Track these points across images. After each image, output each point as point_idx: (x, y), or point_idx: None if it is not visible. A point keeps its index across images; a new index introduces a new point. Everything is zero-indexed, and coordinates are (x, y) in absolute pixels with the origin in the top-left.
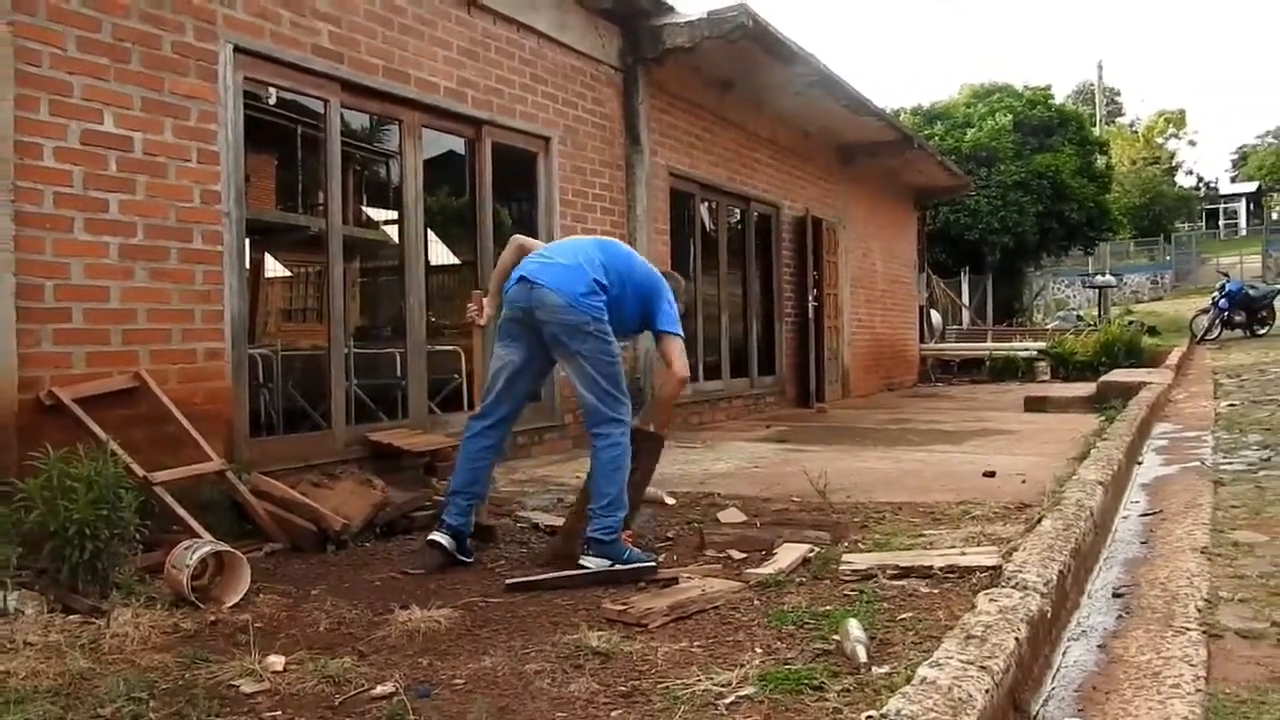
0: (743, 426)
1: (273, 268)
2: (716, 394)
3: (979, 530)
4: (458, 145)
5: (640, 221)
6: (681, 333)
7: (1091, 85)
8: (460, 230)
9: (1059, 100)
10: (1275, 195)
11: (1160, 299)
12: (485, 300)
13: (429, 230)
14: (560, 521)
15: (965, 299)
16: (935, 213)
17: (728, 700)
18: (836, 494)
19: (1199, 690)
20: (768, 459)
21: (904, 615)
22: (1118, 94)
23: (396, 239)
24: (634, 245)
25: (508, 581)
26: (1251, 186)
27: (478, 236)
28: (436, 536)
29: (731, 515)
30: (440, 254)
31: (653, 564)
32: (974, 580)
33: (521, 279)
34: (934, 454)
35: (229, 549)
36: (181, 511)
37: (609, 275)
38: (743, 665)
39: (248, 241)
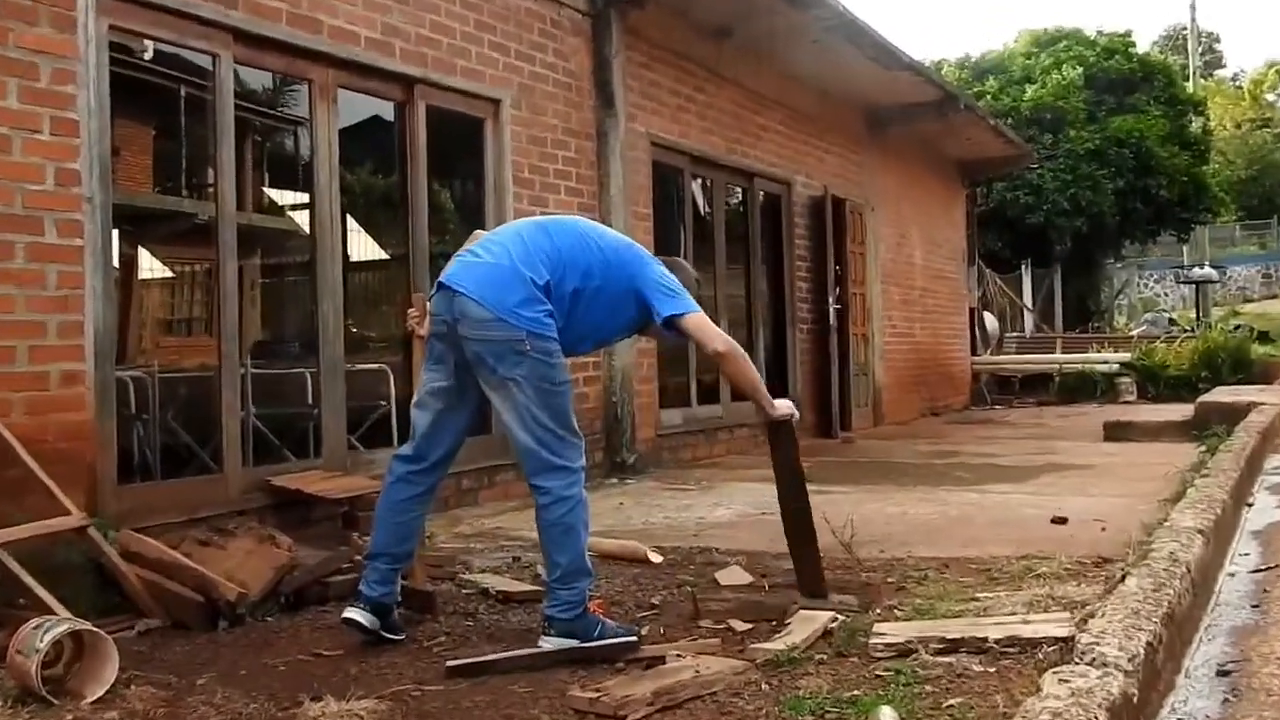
0: (747, 462)
1: (150, 266)
2: (713, 422)
3: (1046, 592)
4: (385, 110)
5: (615, 204)
6: (695, 305)
7: (1183, 30)
8: (388, 217)
9: (1142, 49)
10: None
11: (1275, 297)
12: (429, 304)
13: (348, 217)
14: (515, 586)
15: (1027, 299)
16: (988, 191)
17: None
18: (866, 547)
19: None
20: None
21: (951, 701)
22: (1216, 40)
23: (306, 228)
24: None
25: (449, 664)
26: None
27: (409, 225)
28: (353, 614)
29: (733, 575)
30: (363, 247)
31: (633, 639)
32: (1040, 655)
33: (441, 286)
34: (989, 495)
35: (91, 628)
36: (29, 580)
37: (561, 271)
38: None
39: (116, 233)
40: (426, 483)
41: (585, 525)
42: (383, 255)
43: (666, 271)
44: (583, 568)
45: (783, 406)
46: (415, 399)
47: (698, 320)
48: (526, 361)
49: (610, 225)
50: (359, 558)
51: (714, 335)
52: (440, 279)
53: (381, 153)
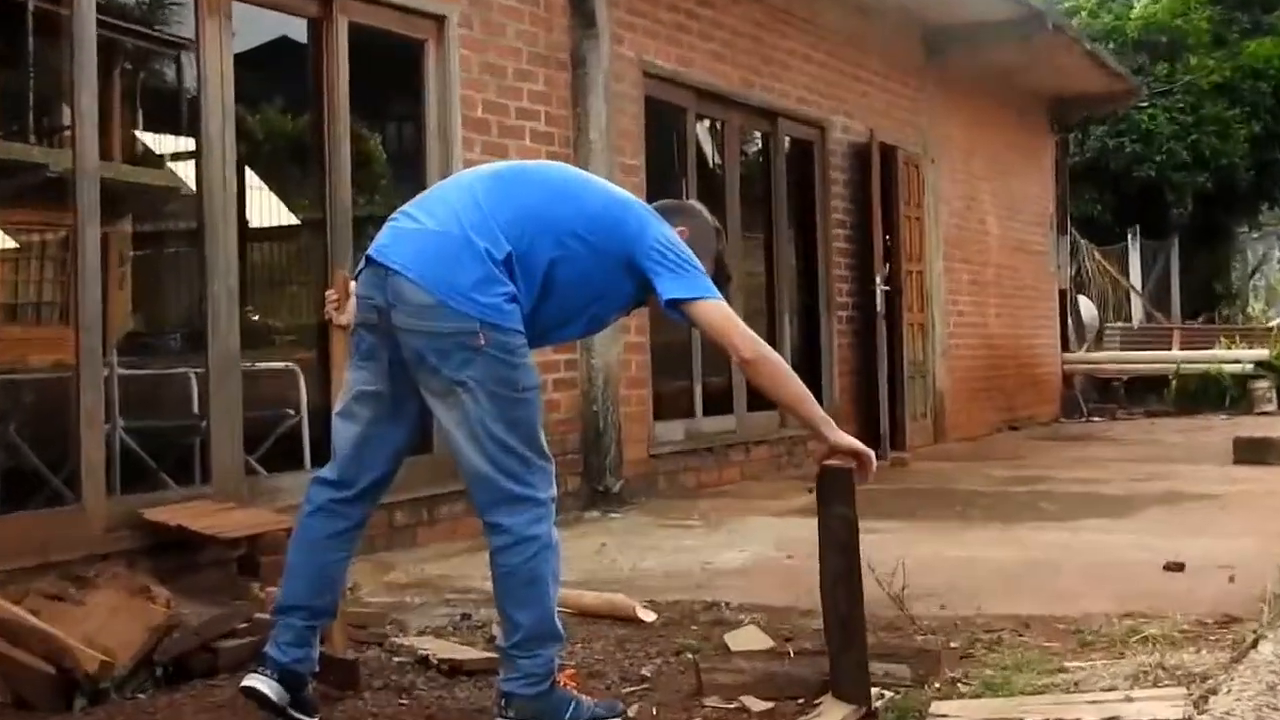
0: (768, 490)
1: None
2: (724, 438)
3: (1155, 660)
4: (294, 29)
5: (595, 152)
6: (711, 288)
7: None
8: (300, 171)
9: None
10: None
11: None
12: (354, 284)
13: (247, 171)
14: (464, 652)
15: (1135, 279)
16: (1083, 138)
17: None
18: (922, 601)
19: None
20: (808, 541)
21: None
22: None
23: (192, 185)
24: None
25: None
26: None
27: (327, 182)
28: (256, 682)
29: (748, 638)
30: (266, 210)
31: None
32: None
33: (369, 262)
34: (1083, 534)
35: None
36: None
37: (529, 238)
38: None
39: None
40: (353, 515)
41: (555, 575)
42: (292, 220)
43: (673, 234)
44: (551, 630)
45: (847, 442)
46: (337, 407)
47: (715, 312)
48: (481, 360)
49: None
50: (261, 616)
51: (738, 335)
52: (368, 252)
53: (291, 86)
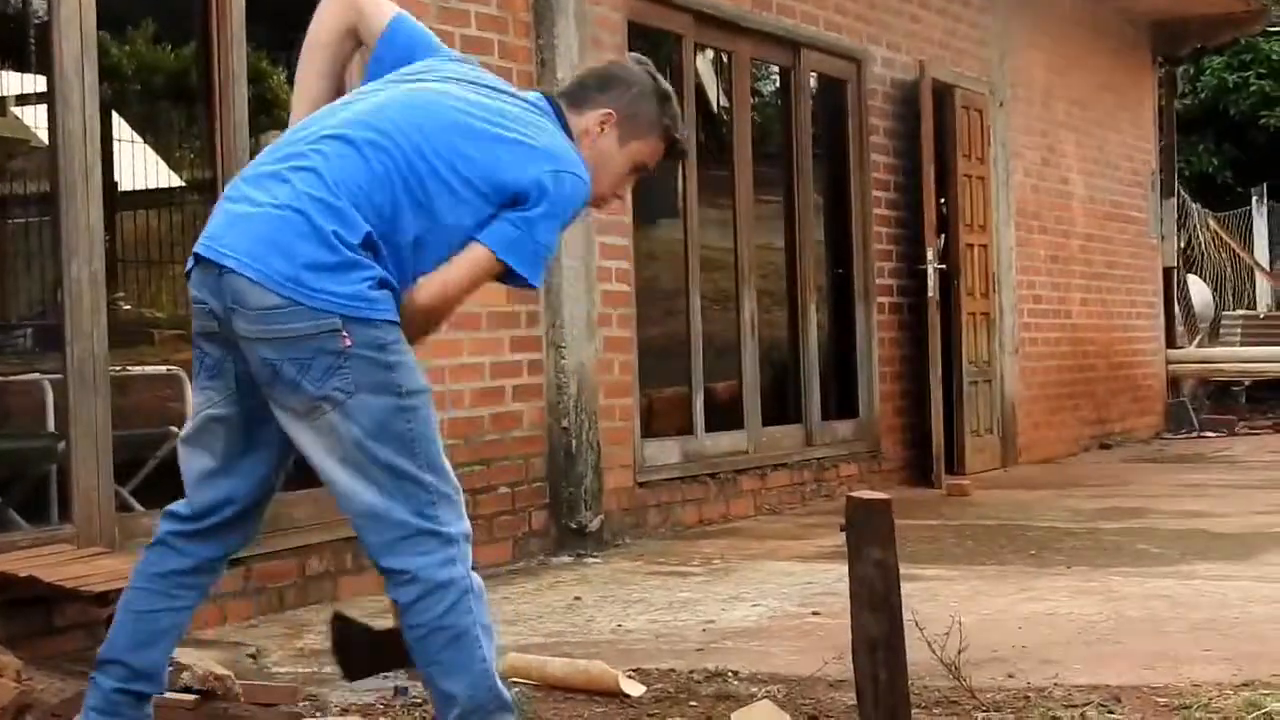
0: (790, 527)
1: None
2: (732, 461)
3: None
4: None
5: None
6: (512, 248)
7: None
8: (183, 117)
9: None
10: None
11: None
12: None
13: (114, 118)
14: None
15: (1261, 253)
16: (1196, 73)
17: None
18: (985, 668)
19: None
20: (840, 594)
21: None
22: None
23: (44, 136)
24: None
25: None
26: None
27: (219, 130)
28: None
29: (761, 717)
30: (141, 167)
31: None
32: None
33: (199, 259)
34: (1191, 582)
35: None
36: None
37: (393, 209)
38: None
39: None
40: (195, 554)
41: (486, 630)
42: (174, 181)
43: (571, 204)
44: (493, 698)
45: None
46: (183, 432)
47: (481, 260)
48: (349, 366)
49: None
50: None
51: (461, 276)
52: (197, 246)
53: (170, 6)
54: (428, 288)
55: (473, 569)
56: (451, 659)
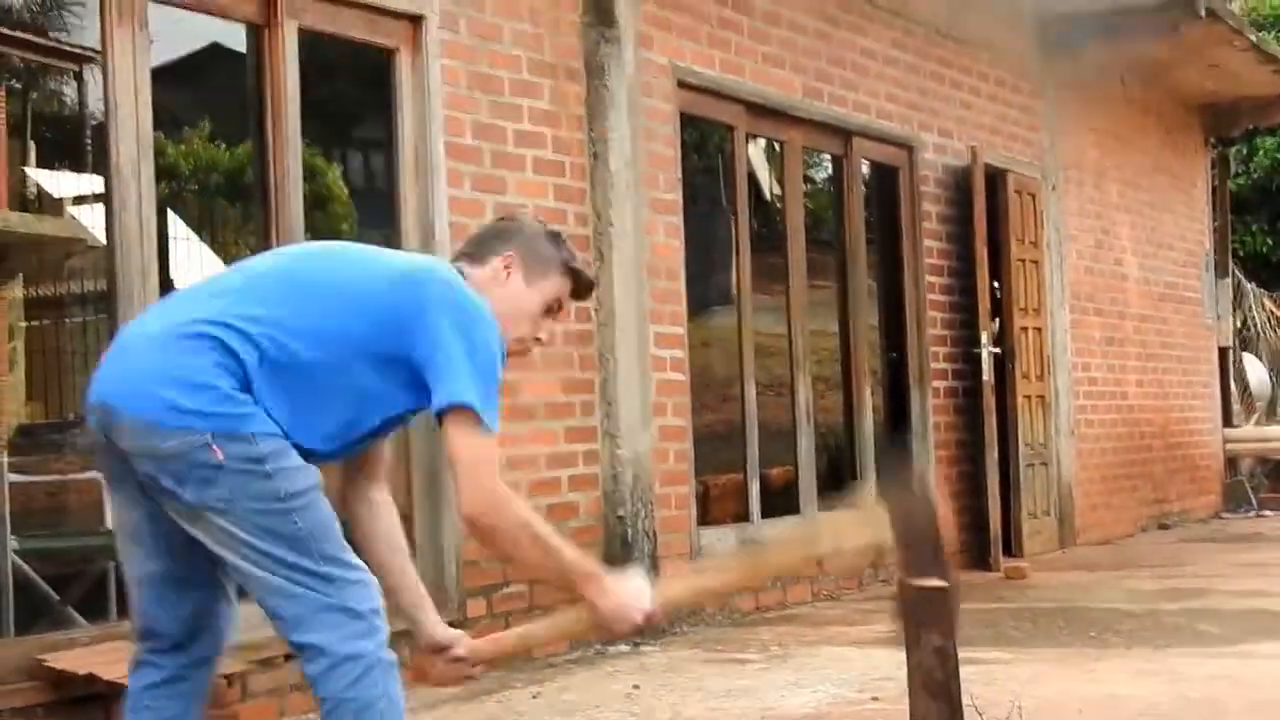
0: (848, 613)
1: None
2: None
3: None
4: (229, 36)
5: (619, 185)
6: (481, 404)
7: None
8: (239, 214)
9: None
10: None
11: None
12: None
13: (170, 215)
14: None
15: None
16: (1249, 153)
17: None
18: None
19: None
20: (899, 680)
21: None
22: None
23: (101, 235)
24: (609, 233)
25: None
26: None
27: (274, 226)
28: None
29: None
30: (197, 264)
31: None
32: None
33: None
34: (1254, 662)
35: None
36: None
37: (281, 325)
38: None
39: None
40: (169, 665)
41: (394, 703)
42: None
43: (471, 319)
44: None
45: (628, 595)
46: (119, 548)
47: (473, 436)
48: (223, 477)
49: (611, 221)
50: None
51: (467, 476)
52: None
53: (225, 107)
54: (464, 504)
55: (386, 645)
56: None
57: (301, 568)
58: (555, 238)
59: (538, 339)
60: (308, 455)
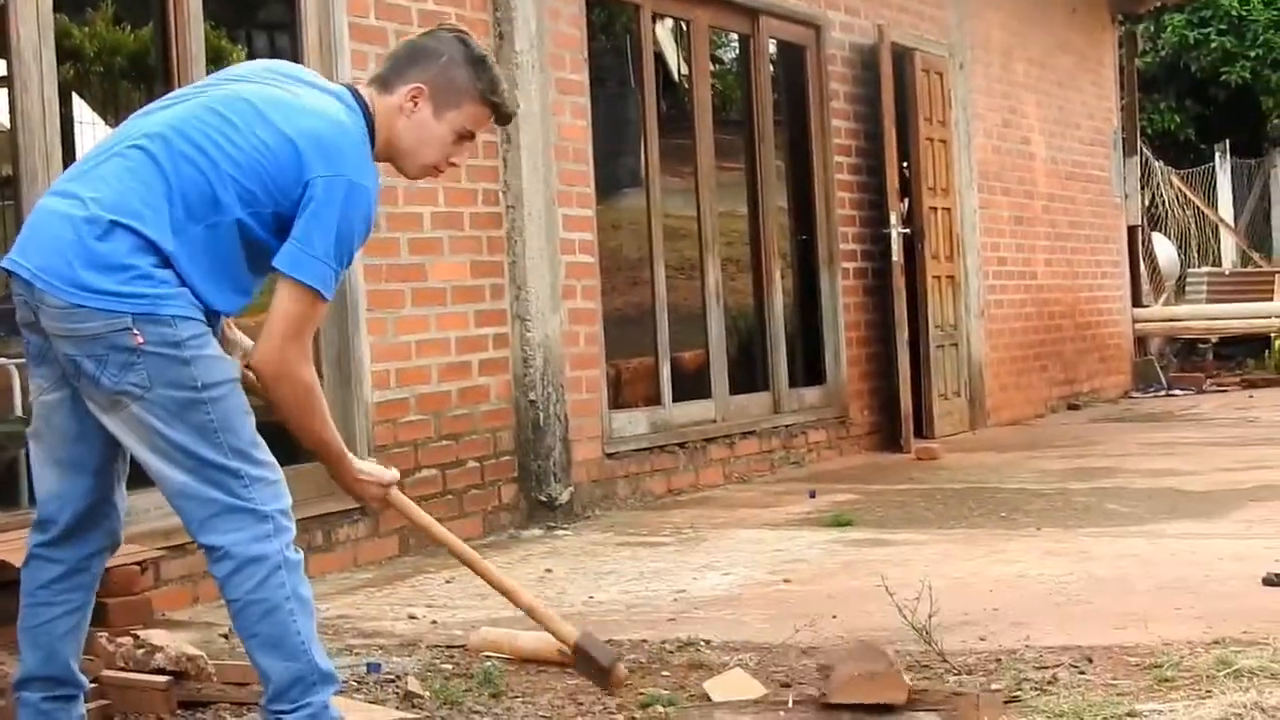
0: (760, 495)
1: None
2: (701, 430)
3: (1251, 699)
4: None
5: (524, 65)
6: (318, 275)
7: None
8: (143, 98)
9: None
10: None
11: None
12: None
13: (74, 99)
14: (373, 715)
15: (1225, 210)
16: (1156, 30)
17: None
18: (956, 632)
19: None
20: (811, 561)
21: None
22: None
23: (5, 119)
24: (515, 119)
25: None
26: None
27: None
28: None
29: (734, 685)
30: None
31: None
32: None
33: (9, 262)
34: (1162, 542)
35: None
36: None
37: (203, 191)
38: None
39: None
40: (65, 559)
41: (302, 600)
42: None
43: (354, 207)
44: (311, 669)
45: (377, 474)
46: (30, 428)
47: (287, 299)
48: (143, 362)
49: (518, 103)
50: None
51: (274, 331)
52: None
53: None
54: (264, 349)
55: (292, 545)
56: (268, 632)
57: (209, 461)
58: (477, 63)
59: (452, 163)
60: (216, 316)
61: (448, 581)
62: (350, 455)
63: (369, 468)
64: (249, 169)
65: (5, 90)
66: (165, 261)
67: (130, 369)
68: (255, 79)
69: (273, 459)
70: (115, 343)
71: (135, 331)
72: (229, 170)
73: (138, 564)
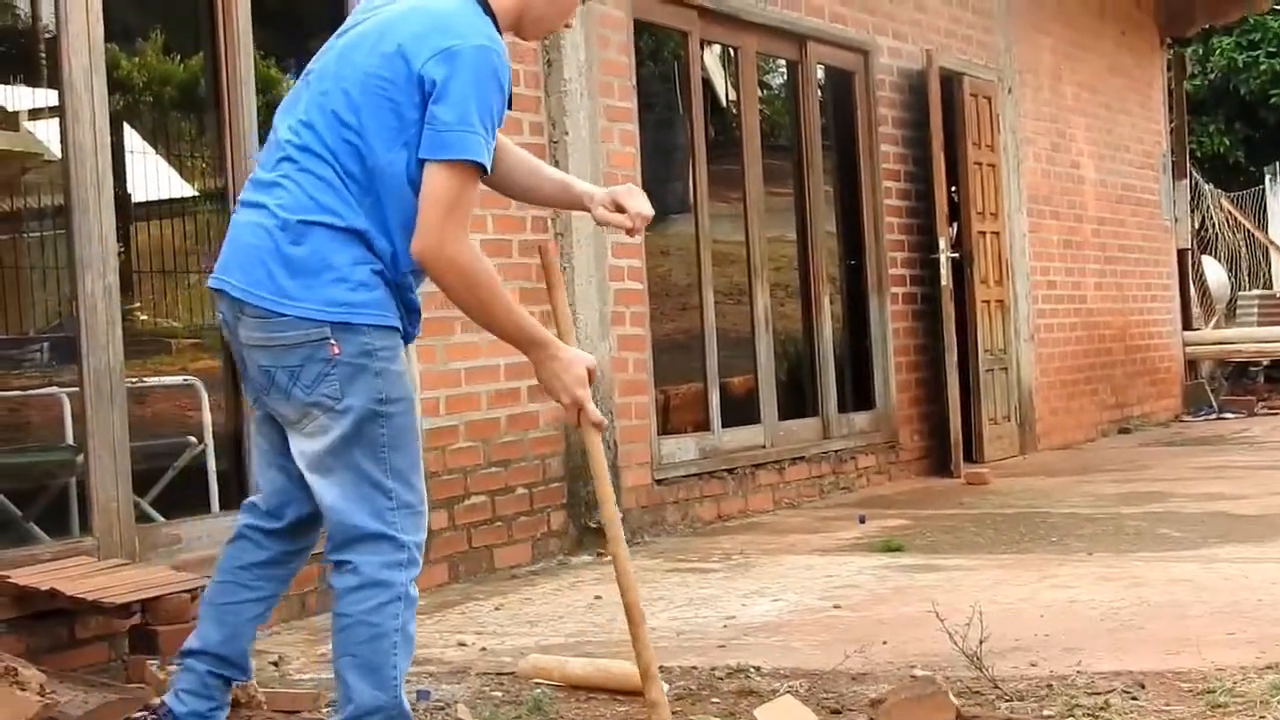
0: (810, 520)
1: None
2: (750, 456)
3: None
4: None
5: (573, 94)
6: (463, 154)
7: None
8: (194, 127)
9: None
10: None
11: None
12: None
13: (125, 129)
14: None
15: (1277, 233)
16: (1205, 53)
17: None
18: (1008, 658)
19: None
20: (861, 587)
21: None
22: None
23: (56, 150)
24: (564, 141)
25: None
26: None
27: (228, 138)
28: None
29: (784, 711)
30: (153, 178)
31: None
32: None
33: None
34: (1214, 566)
35: None
36: None
37: (369, 147)
38: None
39: None
40: (277, 549)
41: (406, 637)
42: (187, 191)
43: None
44: (395, 705)
45: (576, 357)
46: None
47: (448, 178)
48: (335, 373)
49: (566, 129)
50: (159, 701)
51: (427, 215)
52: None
53: (178, 18)
54: (417, 240)
55: (414, 582)
56: (368, 657)
57: (368, 476)
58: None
59: (567, 25)
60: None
61: (497, 608)
62: (557, 342)
63: (575, 354)
64: (384, 110)
65: (57, 120)
66: (365, 245)
67: (324, 380)
68: (359, 21)
69: (424, 489)
70: (313, 354)
71: (333, 341)
72: (371, 125)
73: (188, 592)
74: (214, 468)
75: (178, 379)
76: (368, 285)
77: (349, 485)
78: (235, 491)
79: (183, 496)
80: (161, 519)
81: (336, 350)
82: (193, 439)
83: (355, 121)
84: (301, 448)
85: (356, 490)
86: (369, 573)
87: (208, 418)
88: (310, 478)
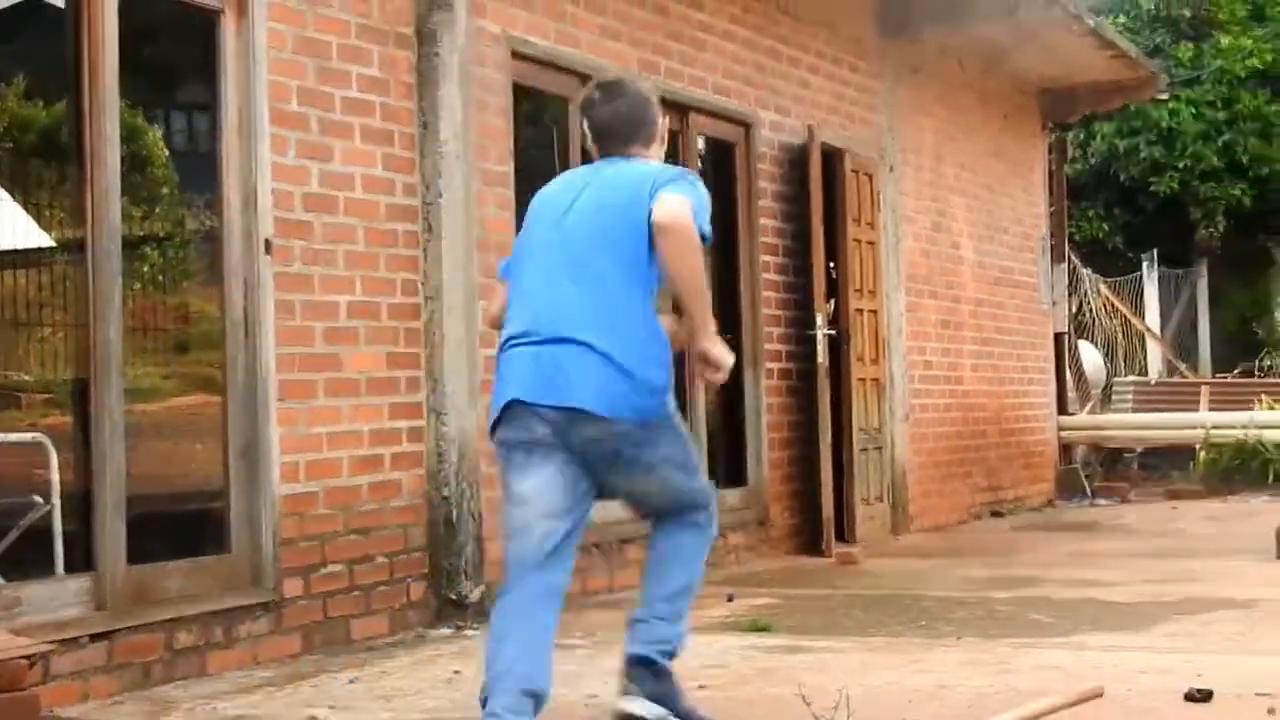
0: None
1: None
2: (618, 531)
3: None
4: None
5: (448, 156)
6: (681, 191)
7: None
8: (54, 176)
9: None
10: None
11: None
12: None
13: None
14: None
15: (1153, 319)
16: (1086, 139)
17: None
18: None
19: None
20: (728, 667)
21: None
22: None
23: None
24: (438, 204)
25: None
26: None
27: (90, 189)
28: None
29: None
30: (9, 227)
31: None
32: None
33: (522, 403)
34: (1084, 654)
35: None
36: None
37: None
38: None
39: None
40: (537, 585)
41: (699, 585)
42: (43, 241)
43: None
44: (697, 586)
45: (718, 353)
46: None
47: (672, 197)
48: (664, 434)
49: (441, 192)
50: None
51: (671, 205)
52: (509, 396)
53: (41, 65)
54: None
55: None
56: (692, 560)
57: (692, 464)
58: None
59: None
60: None
61: (351, 682)
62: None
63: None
64: (624, 242)
65: None
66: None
67: (660, 443)
68: (591, 188)
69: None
70: (659, 433)
71: (662, 418)
72: (623, 259)
73: (25, 658)
74: (60, 529)
75: (26, 436)
76: (667, 372)
77: (691, 475)
78: (81, 553)
79: (27, 556)
80: (1, 580)
81: (664, 423)
82: (38, 498)
83: (612, 265)
84: (639, 482)
85: (686, 475)
86: (706, 527)
87: (55, 476)
88: (666, 489)
